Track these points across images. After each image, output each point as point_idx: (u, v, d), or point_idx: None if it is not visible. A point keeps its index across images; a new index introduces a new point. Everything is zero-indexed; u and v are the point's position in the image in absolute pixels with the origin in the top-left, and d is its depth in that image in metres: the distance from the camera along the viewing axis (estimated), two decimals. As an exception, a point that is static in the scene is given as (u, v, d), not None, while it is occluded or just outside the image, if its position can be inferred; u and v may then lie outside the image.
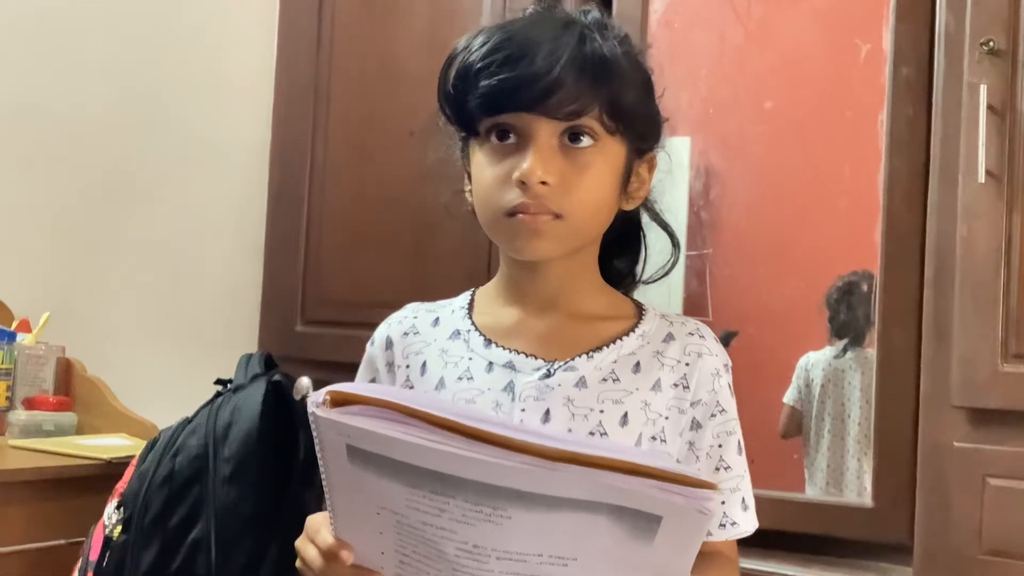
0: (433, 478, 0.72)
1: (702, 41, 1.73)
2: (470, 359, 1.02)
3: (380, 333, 1.08)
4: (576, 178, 0.95)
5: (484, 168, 0.98)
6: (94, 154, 2.29)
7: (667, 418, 0.99)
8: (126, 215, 2.26)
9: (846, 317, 1.64)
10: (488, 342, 1.02)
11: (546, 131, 0.94)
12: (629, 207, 1.03)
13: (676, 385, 1.00)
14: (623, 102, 0.96)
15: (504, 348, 1.01)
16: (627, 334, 1.01)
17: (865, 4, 1.60)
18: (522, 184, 0.94)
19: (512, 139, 0.96)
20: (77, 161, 2.30)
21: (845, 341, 1.64)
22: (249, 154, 2.09)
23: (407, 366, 1.04)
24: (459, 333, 1.04)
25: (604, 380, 0.99)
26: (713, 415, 1.00)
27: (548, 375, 0.98)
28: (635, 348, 1.01)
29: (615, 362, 1.00)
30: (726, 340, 1.75)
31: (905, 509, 1.45)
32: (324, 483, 0.79)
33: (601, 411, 0.97)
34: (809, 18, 1.66)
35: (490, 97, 0.94)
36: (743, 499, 1.01)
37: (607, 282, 1.07)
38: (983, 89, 1.33)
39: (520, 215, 0.95)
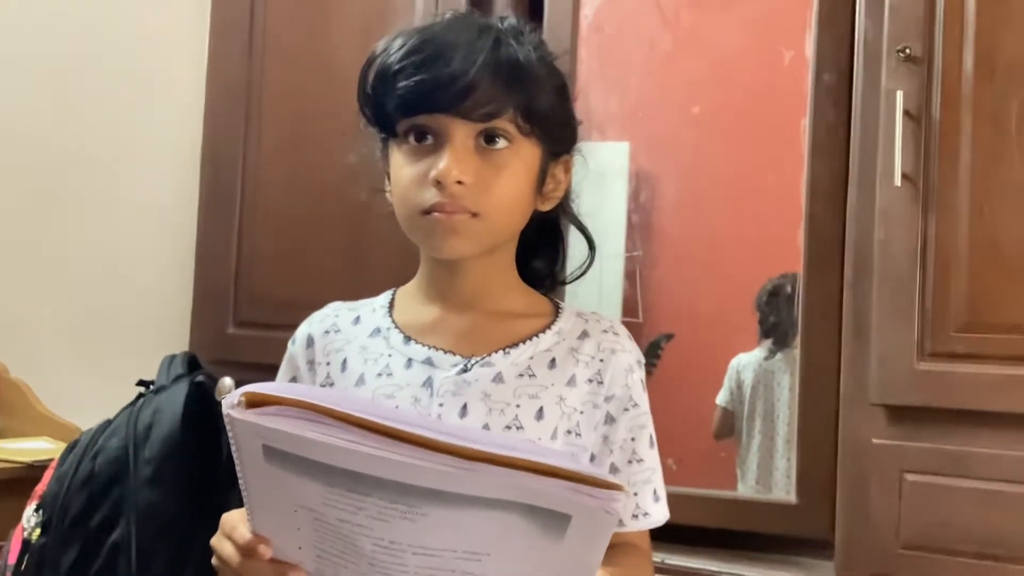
0: (349, 477, 0.72)
1: (632, 46, 1.76)
2: (390, 356, 1.03)
3: (301, 331, 1.10)
4: (492, 177, 0.97)
5: (402, 168, 1.00)
6: (20, 154, 2.25)
7: (582, 412, 1.01)
8: (52, 215, 2.23)
9: (775, 319, 1.67)
10: (407, 339, 1.04)
11: (462, 132, 0.96)
12: (545, 207, 1.06)
13: (591, 380, 1.02)
14: (537, 105, 0.98)
15: (423, 345, 1.03)
16: (543, 331, 1.04)
17: (790, 12, 1.63)
18: (438, 184, 0.96)
19: (429, 140, 0.98)
20: (2, 161, 2.26)
21: (772, 342, 1.67)
22: (180, 154, 2.07)
23: (327, 363, 1.06)
24: (379, 331, 1.06)
25: (520, 376, 1.01)
26: (626, 409, 1.03)
27: (465, 370, 1.00)
28: (551, 345, 1.03)
29: (531, 358, 1.02)
30: (658, 343, 1.77)
31: (826, 505, 1.48)
32: (241, 481, 0.79)
33: (517, 406, 0.99)
34: (736, 25, 1.69)
35: (407, 98, 0.96)
36: (655, 490, 1.04)
37: (526, 282, 1.10)
38: (900, 95, 1.37)
39: (436, 214, 0.97)
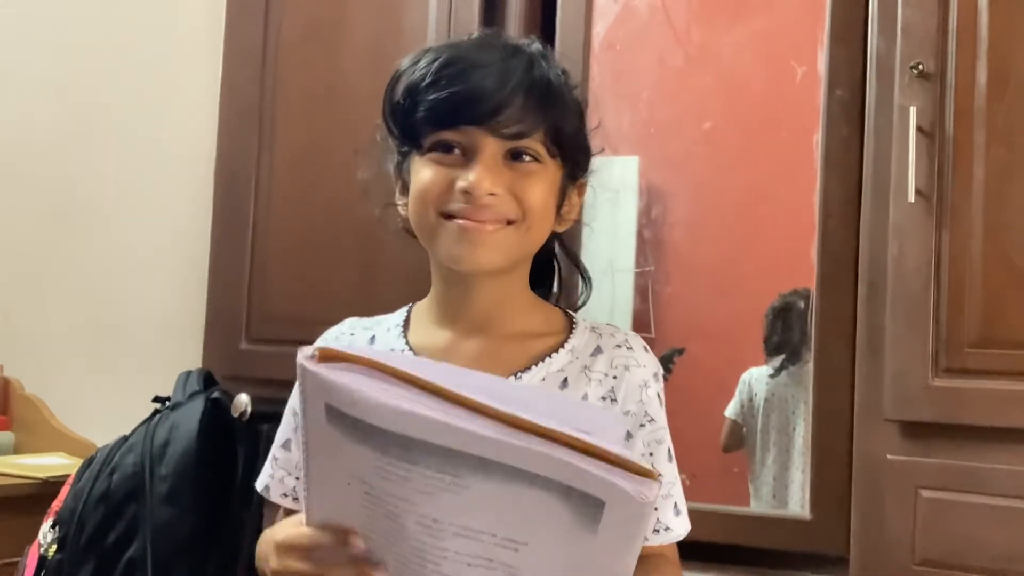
0: (402, 444, 0.72)
1: (643, 63, 1.76)
2: None
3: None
4: (522, 186, 0.98)
5: (423, 173, 0.99)
6: (37, 171, 2.27)
7: None
8: (68, 233, 2.24)
9: (783, 335, 1.67)
10: None
11: (492, 147, 0.97)
12: (561, 228, 1.06)
13: (604, 399, 1.01)
14: (564, 128, 0.99)
15: None
16: (556, 350, 1.03)
17: (801, 28, 1.64)
18: (466, 195, 0.95)
19: (456, 153, 0.98)
20: (19, 178, 2.28)
21: (782, 358, 1.67)
22: (193, 171, 2.08)
23: None
24: (393, 352, 1.05)
25: None
26: (643, 425, 1.02)
27: None
28: (564, 364, 1.02)
29: (543, 380, 1.01)
30: (670, 357, 1.77)
31: (841, 521, 1.47)
32: (303, 447, 0.79)
33: None
34: (747, 41, 1.69)
35: (439, 110, 0.96)
36: (675, 504, 1.04)
37: None
38: (913, 111, 1.37)
39: (463, 221, 0.97)
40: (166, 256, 2.17)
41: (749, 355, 1.72)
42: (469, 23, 1.70)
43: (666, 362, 1.78)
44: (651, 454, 1.02)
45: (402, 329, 1.08)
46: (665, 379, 1.86)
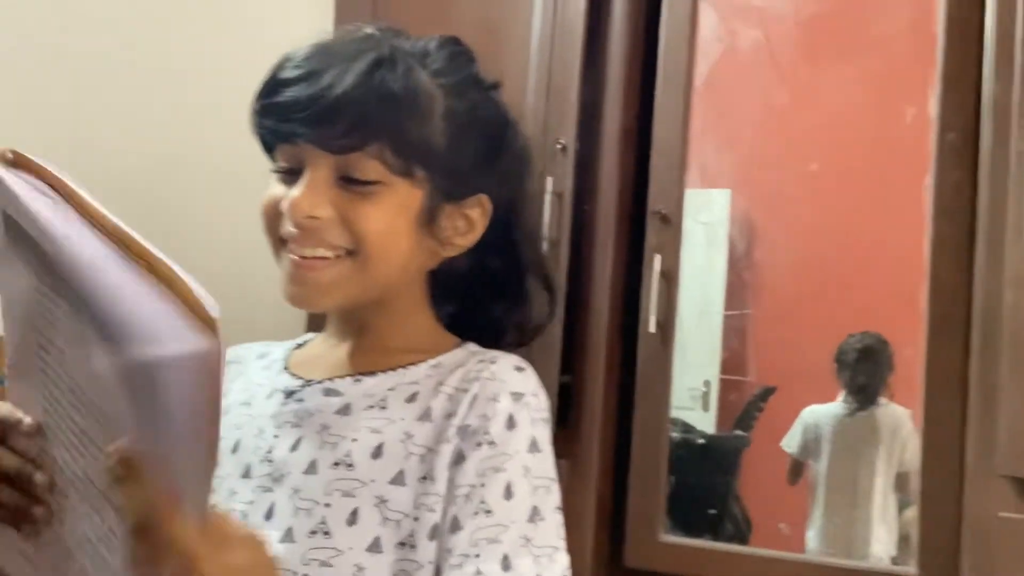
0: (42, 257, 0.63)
1: (746, 101, 1.75)
2: (259, 386, 0.96)
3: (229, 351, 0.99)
4: (355, 211, 0.86)
5: (268, 191, 0.91)
6: (138, 195, 2.33)
7: (436, 453, 0.85)
8: (166, 225, 2.27)
9: (864, 378, 1.66)
10: (283, 370, 0.96)
11: (321, 164, 0.86)
12: (448, 253, 0.93)
13: (449, 415, 0.86)
14: (415, 141, 0.86)
15: (294, 376, 0.95)
16: (416, 363, 0.91)
17: (911, 69, 1.60)
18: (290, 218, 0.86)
19: (292, 170, 0.88)
20: (123, 201, 2.34)
21: (857, 399, 1.66)
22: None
23: (228, 391, 0.97)
24: (271, 363, 0.99)
25: (371, 407, 0.89)
26: (479, 444, 0.84)
27: (293, 393, 0.92)
28: (419, 378, 0.90)
29: (391, 390, 0.90)
30: (763, 396, 1.75)
31: (950, 578, 1.42)
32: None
33: (354, 440, 0.87)
34: (855, 81, 1.67)
35: (268, 119, 0.88)
36: (504, 556, 0.80)
37: (485, 332, 0.98)
38: (1031, 156, 1.33)
39: (292, 254, 0.87)
40: (263, 255, 2.18)
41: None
42: (571, 65, 1.70)
43: (757, 402, 1.76)
44: (483, 484, 0.82)
45: (299, 344, 1.01)
46: (755, 418, 1.86)
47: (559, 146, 1.61)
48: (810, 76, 1.71)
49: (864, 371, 1.66)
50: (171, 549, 0.60)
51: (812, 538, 1.67)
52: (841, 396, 1.68)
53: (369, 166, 0.85)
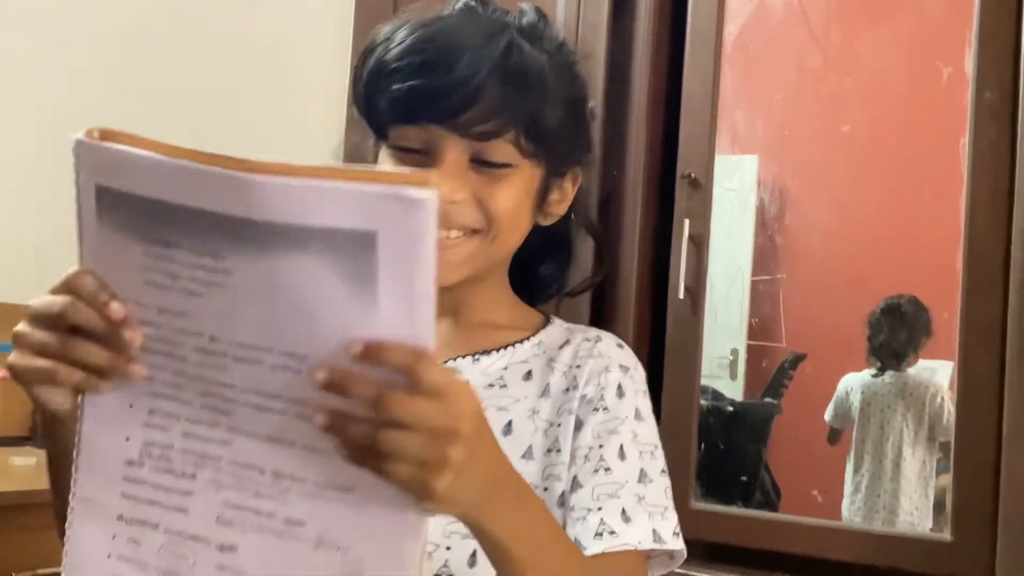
0: (163, 217, 0.63)
1: (778, 64, 1.72)
2: None
3: None
4: (490, 192, 0.88)
5: (384, 168, 0.89)
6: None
7: (559, 425, 0.90)
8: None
9: (884, 337, 1.63)
10: None
11: (456, 149, 0.86)
12: (547, 222, 0.96)
13: (567, 390, 0.92)
14: (544, 124, 0.88)
15: None
16: (522, 342, 0.95)
17: (946, 28, 1.57)
18: None
19: (419, 152, 0.88)
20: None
21: (882, 361, 1.65)
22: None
23: None
24: None
25: (491, 386, 0.92)
26: (596, 410, 0.90)
27: None
28: (528, 356, 0.94)
29: (505, 368, 0.94)
30: (794, 363, 1.73)
31: (985, 545, 1.39)
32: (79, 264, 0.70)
33: None
34: (889, 42, 1.64)
35: (399, 105, 0.86)
36: (623, 509, 0.87)
37: (530, 290, 1.01)
38: (1072, 112, 1.30)
39: None
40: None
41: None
42: (598, 27, 1.68)
43: (787, 369, 1.74)
44: (600, 445, 0.88)
45: None
46: (784, 385, 1.84)
47: (587, 108, 1.59)
48: (843, 36, 1.68)
49: (894, 334, 1.63)
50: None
51: (846, 505, 1.65)
52: (871, 360, 1.65)
53: (504, 150, 0.87)
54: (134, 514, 0.70)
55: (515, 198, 0.89)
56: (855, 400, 1.66)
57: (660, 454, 0.92)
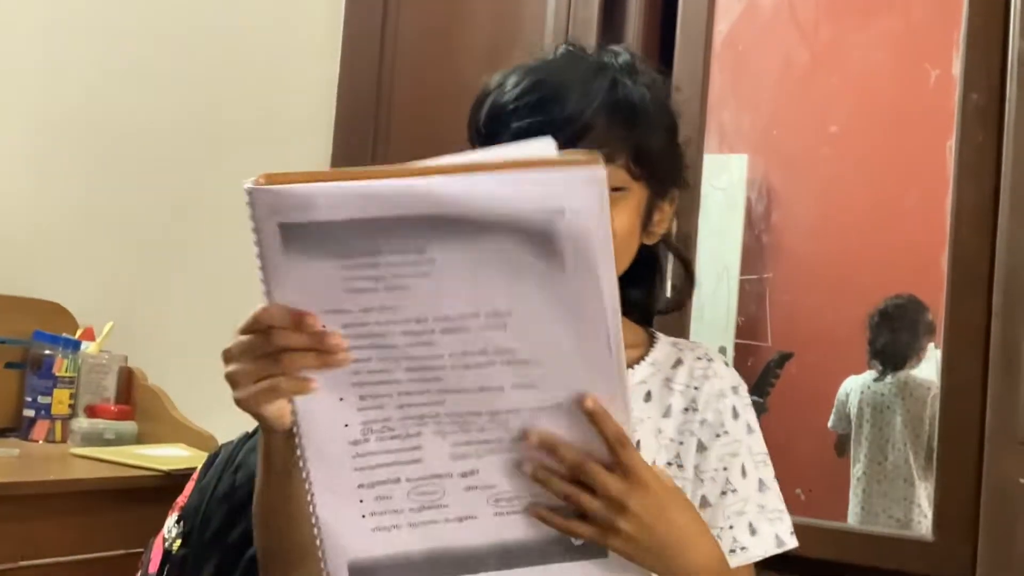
0: (361, 232, 0.71)
1: (767, 62, 1.72)
2: None
3: None
4: None
5: None
6: (163, 166, 2.33)
7: (681, 443, 1.00)
8: (193, 226, 2.30)
9: (885, 340, 1.64)
10: None
11: None
12: (650, 242, 1.04)
13: (687, 409, 1.01)
14: (649, 149, 0.97)
15: None
16: (638, 363, 1.03)
17: (935, 29, 1.57)
18: None
19: None
20: (146, 172, 2.35)
21: (882, 364, 1.65)
22: (312, 167, 2.11)
23: None
24: None
25: None
26: (717, 435, 1.00)
27: None
28: (646, 376, 1.03)
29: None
30: (780, 362, 1.73)
31: (967, 545, 1.41)
32: (265, 296, 0.78)
33: None
34: (878, 42, 1.64)
35: (521, 139, 0.92)
36: (750, 523, 0.99)
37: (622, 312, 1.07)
38: (1057, 117, 1.30)
39: None
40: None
41: (864, 363, 1.68)
42: (588, 22, 1.68)
43: (774, 368, 1.75)
44: (725, 468, 1.00)
45: None
46: (771, 384, 1.85)
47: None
48: (832, 36, 1.68)
49: (890, 335, 1.64)
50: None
51: (849, 507, 1.66)
52: (873, 364, 1.66)
53: (617, 175, 0.95)
54: (372, 478, 0.79)
55: (629, 218, 0.97)
56: (853, 403, 1.66)
57: (769, 459, 1.02)
